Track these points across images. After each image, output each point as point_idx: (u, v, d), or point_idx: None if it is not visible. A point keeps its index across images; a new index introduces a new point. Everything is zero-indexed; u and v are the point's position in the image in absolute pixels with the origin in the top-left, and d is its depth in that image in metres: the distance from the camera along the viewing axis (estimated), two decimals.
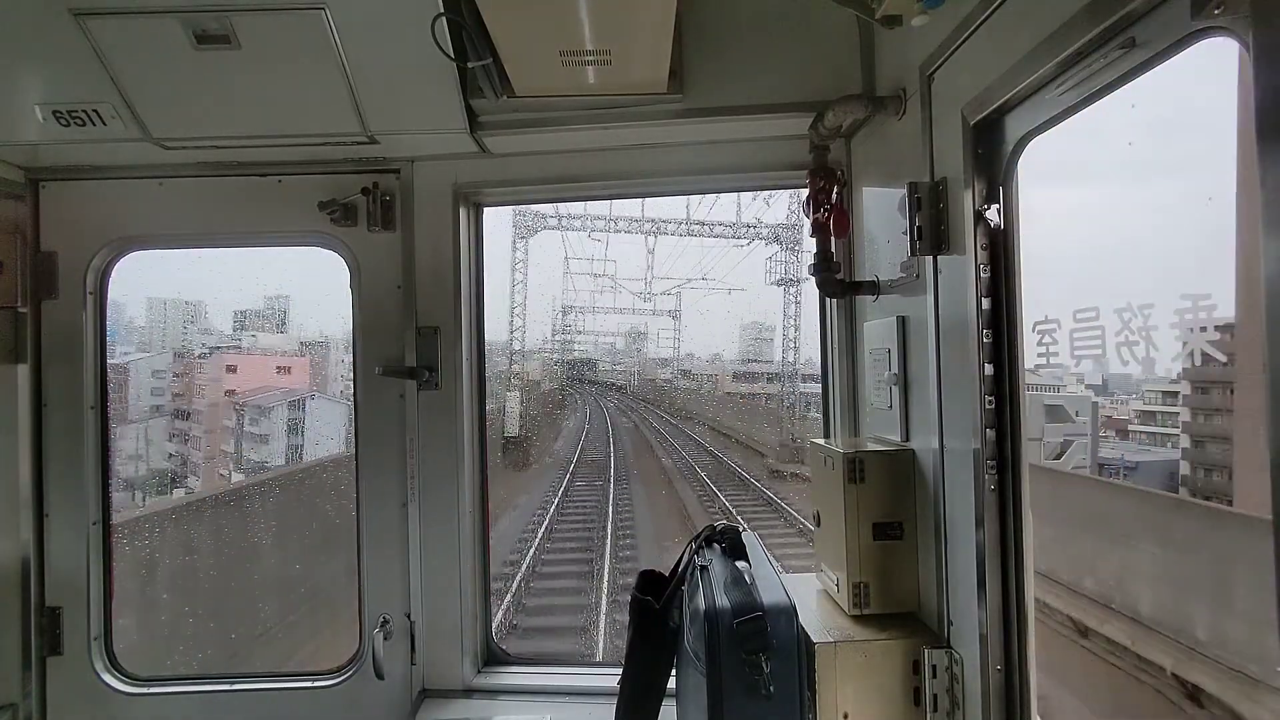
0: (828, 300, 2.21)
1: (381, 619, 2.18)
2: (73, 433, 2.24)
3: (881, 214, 1.88)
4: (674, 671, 1.72)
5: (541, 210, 17.59)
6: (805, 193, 1.98)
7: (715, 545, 1.75)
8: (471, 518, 2.28)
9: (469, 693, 2.23)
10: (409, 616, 2.21)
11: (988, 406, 1.44)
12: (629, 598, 1.78)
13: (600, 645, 6.62)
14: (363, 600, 2.24)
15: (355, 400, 2.26)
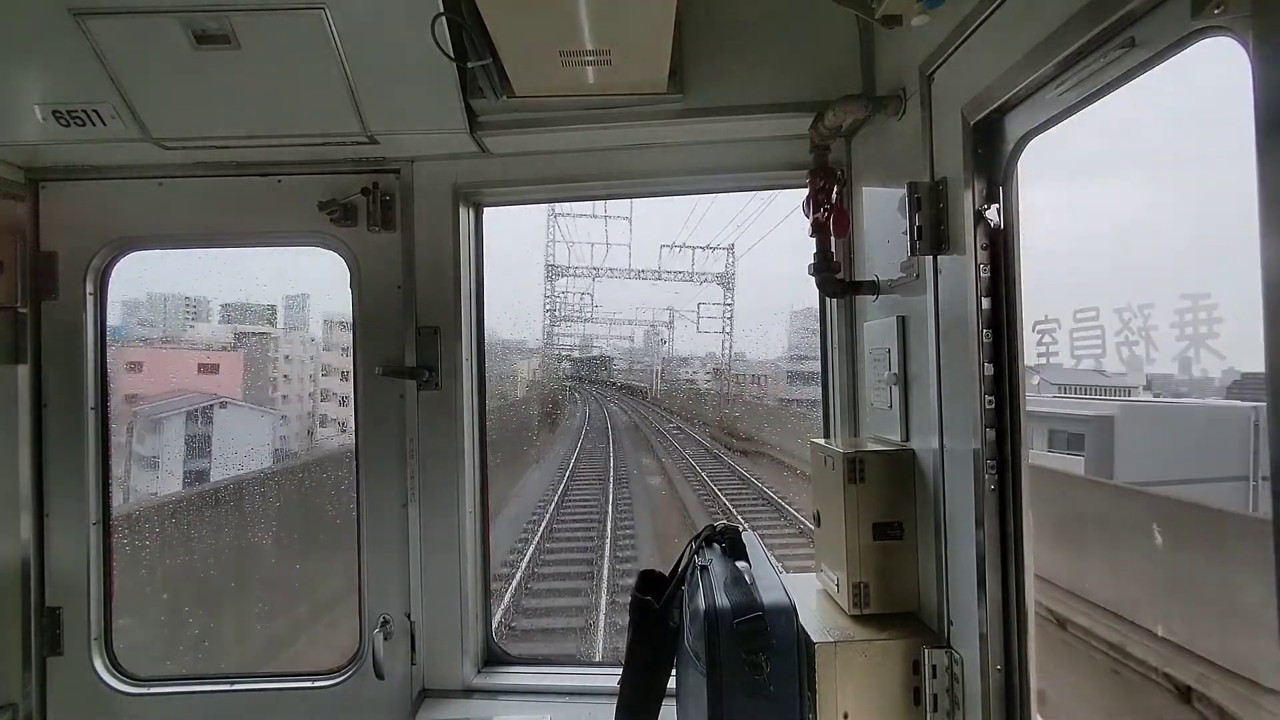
0: (828, 300, 2.21)
1: (382, 619, 2.18)
2: (73, 433, 2.24)
3: (881, 214, 1.88)
4: (674, 671, 1.73)
5: None
6: (805, 193, 1.98)
7: (715, 545, 1.75)
8: (472, 517, 2.28)
9: (469, 693, 2.23)
10: (409, 616, 2.21)
11: (988, 406, 1.44)
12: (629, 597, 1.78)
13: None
14: (363, 600, 2.24)
15: (355, 400, 2.26)
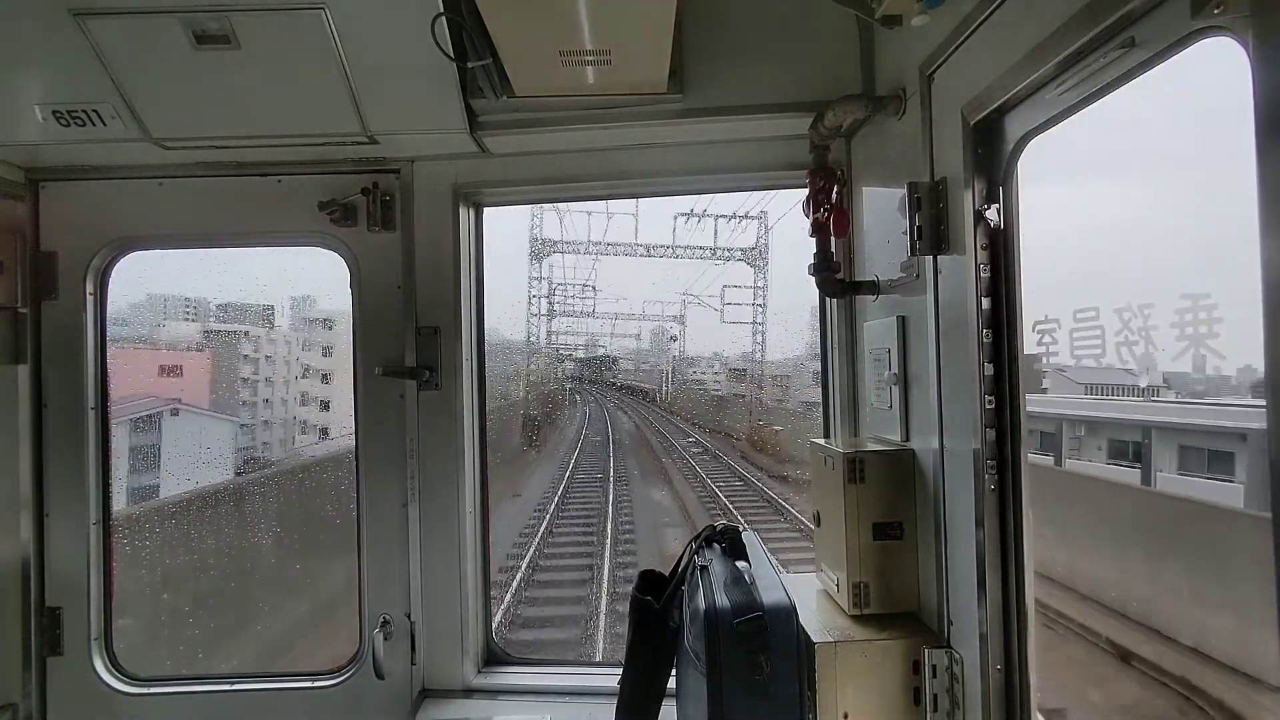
0: (828, 300, 2.21)
1: (382, 619, 2.18)
2: (73, 433, 2.24)
3: (881, 214, 1.88)
4: (674, 671, 1.73)
5: None
6: (805, 193, 1.98)
7: (715, 545, 1.75)
8: (472, 518, 2.28)
9: (469, 693, 2.23)
10: (409, 616, 2.21)
11: (988, 406, 1.44)
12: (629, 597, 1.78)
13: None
14: (363, 600, 2.24)
15: (355, 400, 2.26)
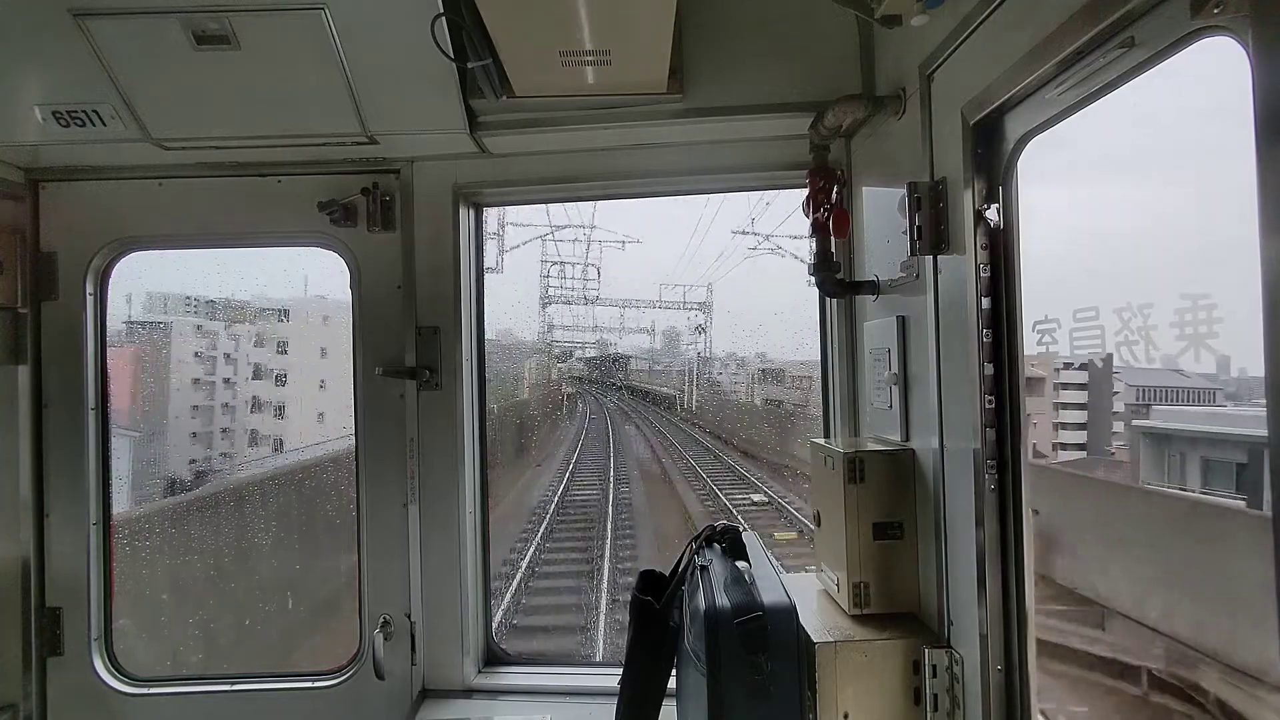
0: (828, 300, 2.21)
1: (382, 619, 2.18)
2: (73, 433, 2.24)
3: (881, 214, 1.88)
4: (674, 671, 1.73)
5: None
6: (805, 193, 1.98)
7: (715, 545, 1.76)
8: (472, 518, 2.28)
9: (469, 693, 2.23)
10: (409, 616, 2.21)
11: (988, 406, 1.44)
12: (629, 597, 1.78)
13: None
14: (363, 600, 2.24)
15: (355, 400, 2.26)
